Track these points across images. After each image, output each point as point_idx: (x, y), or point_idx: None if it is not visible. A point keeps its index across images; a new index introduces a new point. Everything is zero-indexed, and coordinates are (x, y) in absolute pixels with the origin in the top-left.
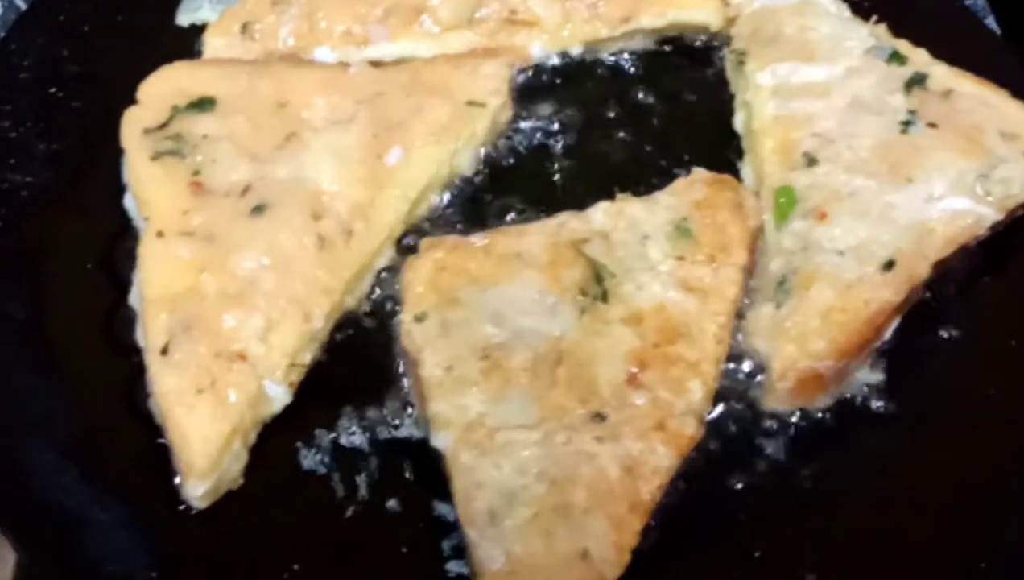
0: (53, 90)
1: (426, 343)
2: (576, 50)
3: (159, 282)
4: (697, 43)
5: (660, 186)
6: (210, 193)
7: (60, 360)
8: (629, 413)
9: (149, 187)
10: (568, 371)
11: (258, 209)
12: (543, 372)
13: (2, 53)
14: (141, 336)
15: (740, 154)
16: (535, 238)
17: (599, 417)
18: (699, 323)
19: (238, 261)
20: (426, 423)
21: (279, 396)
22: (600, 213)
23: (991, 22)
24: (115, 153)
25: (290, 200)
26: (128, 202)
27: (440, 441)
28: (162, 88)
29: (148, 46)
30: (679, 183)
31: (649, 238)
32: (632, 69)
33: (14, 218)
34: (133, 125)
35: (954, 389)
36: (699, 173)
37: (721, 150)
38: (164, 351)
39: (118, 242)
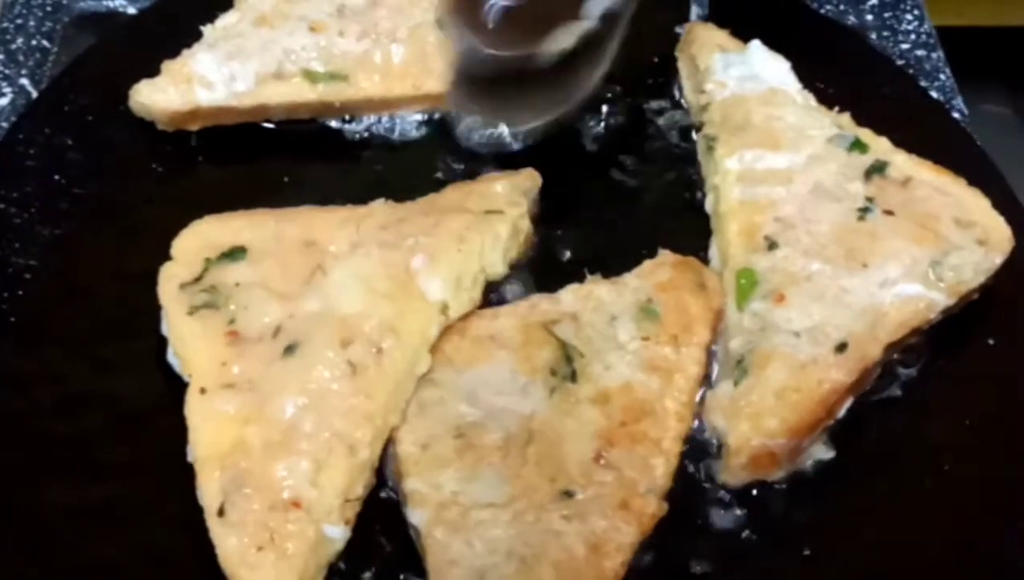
0: (57, 177)
1: (403, 421)
2: None
3: (208, 441)
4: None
5: (630, 267)
6: (245, 341)
7: None
8: (596, 491)
9: (189, 344)
10: (538, 450)
11: (289, 349)
12: (514, 451)
13: (9, 142)
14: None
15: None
16: (508, 320)
17: (567, 495)
18: (662, 402)
19: (278, 406)
20: (403, 499)
21: (339, 536)
22: (570, 295)
23: (959, 103)
24: (112, 237)
25: (318, 333)
26: (171, 357)
27: (415, 518)
28: (194, 243)
29: (147, 134)
30: (646, 265)
31: (617, 319)
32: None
33: (14, 299)
34: (170, 281)
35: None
36: (665, 255)
37: (692, 232)
38: (221, 512)
39: (111, 324)
